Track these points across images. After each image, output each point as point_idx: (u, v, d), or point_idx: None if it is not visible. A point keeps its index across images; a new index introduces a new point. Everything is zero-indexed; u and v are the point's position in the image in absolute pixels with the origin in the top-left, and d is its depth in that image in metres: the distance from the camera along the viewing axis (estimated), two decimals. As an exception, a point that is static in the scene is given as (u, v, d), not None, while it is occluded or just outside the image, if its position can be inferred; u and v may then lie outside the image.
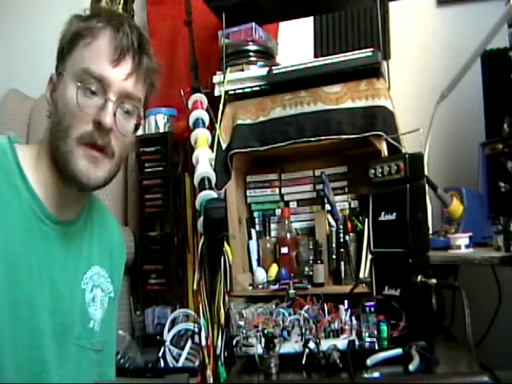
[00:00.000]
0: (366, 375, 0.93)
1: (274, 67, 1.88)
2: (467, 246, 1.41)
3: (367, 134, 1.73)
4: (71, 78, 0.89)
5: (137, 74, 0.93)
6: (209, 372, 1.43)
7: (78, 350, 0.94)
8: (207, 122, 1.87)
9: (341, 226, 1.86)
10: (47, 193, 0.90)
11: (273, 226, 2.06)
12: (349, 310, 1.10)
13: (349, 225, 1.86)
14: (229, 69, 1.94)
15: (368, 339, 0.99)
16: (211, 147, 1.83)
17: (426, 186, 1.30)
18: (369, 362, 0.95)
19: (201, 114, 1.85)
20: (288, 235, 1.95)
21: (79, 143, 0.88)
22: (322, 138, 1.78)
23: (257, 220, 2.09)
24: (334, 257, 1.87)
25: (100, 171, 0.90)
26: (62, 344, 0.90)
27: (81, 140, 0.88)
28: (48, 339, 0.87)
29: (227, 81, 1.91)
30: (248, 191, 2.10)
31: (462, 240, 1.42)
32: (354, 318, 1.07)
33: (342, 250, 1.85)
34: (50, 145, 0.91)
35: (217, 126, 1.88)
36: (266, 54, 2.02)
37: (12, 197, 0.85)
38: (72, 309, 0.92)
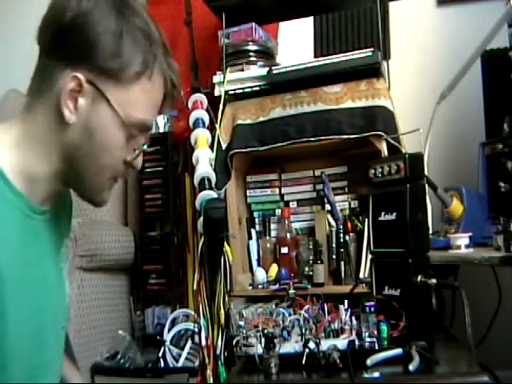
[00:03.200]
0: (366, 375, 0.93)
1: (273, 67, 1.88)
2: (467, 246, 1.41)
3: (367, 134, 1.73)
4: (121, 121, 0.81)
5: None
6: (209, 372, 1.43)
7: (63, 333, 0.93)
8: (207, 122, 1.89)
9: (341, 226, 1.87)
10: (31, 186, 0.82)
11: (273, 225, 2.06)
12: (349, 310, 1.10)
13: (349, 225, 1.87)
14: (229, 69, 1.94)
15: (368, 339, 0.99)
16: (211, 147, 1.84)
17: (426, 186, 1.30)
18: (369, 362, 0.95)
19: (201, 114, 1.87)
20: (288, 235, 1.95)
21: (110, 178, 0.87)
22: (322, 138, 1.79)
23: (257, 220, 2.09)
24: (334, 257, 1.88)
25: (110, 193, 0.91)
26: (57, 335, 0.89)
27: (112, 177, 0.87)
28: (49, 337, 0.87)
29: (227, 81, 1.92)
30: (248, 191, 2.10)
31: (462, 240, 1.42)
32: (353, 318, 1.07)
33: (342, 250, 1.85)
34: (68, 162, 0.83)
35: (217, 126, 1.88)
36: (266, 54, 2.02)
37: None
38: (60, 296, 0.91)
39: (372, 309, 1.02)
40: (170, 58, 0.86)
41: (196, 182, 1.76)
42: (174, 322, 1.92)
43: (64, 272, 0.95)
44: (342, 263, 1.85)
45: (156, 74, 0.83)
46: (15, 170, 0.80)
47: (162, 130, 2.24)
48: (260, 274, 1.94)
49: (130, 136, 0.84)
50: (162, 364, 1.82)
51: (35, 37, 0.83)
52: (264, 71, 1.89)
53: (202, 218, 1.69)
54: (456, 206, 1.55)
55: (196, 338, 1.69)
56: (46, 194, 0.85)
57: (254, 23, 2.01)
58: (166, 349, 1.82)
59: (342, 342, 0.98)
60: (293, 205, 2.06)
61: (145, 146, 0.88)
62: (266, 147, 1.86)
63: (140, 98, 0.83)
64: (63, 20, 0.78)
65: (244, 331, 1.06)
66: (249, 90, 1.92)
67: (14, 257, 0.78)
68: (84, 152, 0.82)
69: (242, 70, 1.94)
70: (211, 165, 1.80)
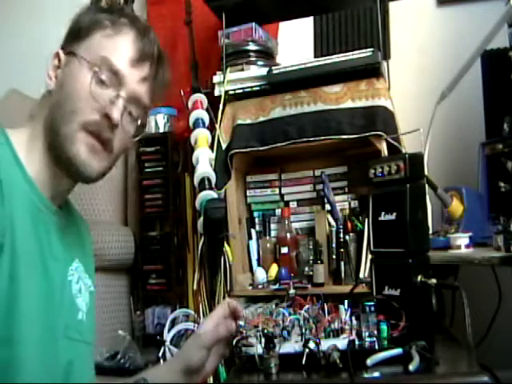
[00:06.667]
0: (366, 375, 0.93)
1: (274, 67, 1.88)
2: (467, 246, 1.41)
3: (367, 134, 1.73)
4: (86, 62, 0.87)
5: (151, 82, 0.93)
6: (209, 372, 1.42)
7: (68, 343, 0.90)
8: (207, 122, 1.89)
9: (341, 226, 1.86)
10: (42, 179, 0.87)
11: (273, 226, 2.06)
12: (349, 310, 1.10)
13: (349, 225, 1.86)
14: (229, 69, 1.94)
15: (368, 339, 0.99)
16: (211, 147, 1.85)
17: (426, 186, 1.30)
18: (369, 361, 0.94)
19: (201, 113, 1.87)
20: (288, 235, 1.95)
21: (83, 129, 0.86)
22: (322, 137, 1.79)
23: (257, 220, 2.09)
24: (334, 257, 1.87)
25: (98, 163, 0.88)
26: (48, 338, 0.87)
27: (85, 127, 0.86)
28: (34, 335, 0.85)
29: (227, 81, 1.92)
30: (248, 191, 2.10)
31: (461, 240, 1.42)
32: (353, 318, 1.07)
33: (342, 249, 1.85)
34: (48, 125, 0.88)
35: (217, 126, 1.88)
36: (266, 54, 2.03)
37: (12, 191, 0.81)
38: (61, 300, 0.90)
39: (372, 309, 1.02)
40: (138, 18, 0.95)
41: (196, 182, 1.76)
42: (174, 322, 1.92)
43: (77, 287, 0.95)
44: (342, 263, 1.85)
45: (123, 24, 0.91)
46: (29, 166, 0.86)
47: (162, 130, 2.24)
48: (260, 274, 1.94)
49: (100, 81, 0.87)
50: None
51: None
52: (264, 71, 1.89)
53: (202, 217, 1.69)
54: (456, 206, 1.55)
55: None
56: (53, 186, 0.89)
57: (254, 23, 2.01)
58: (166, 349, 1.82)
59: (341, 342, 0.98)
60: (293, 205, 2.06)
61: (121, 99, 0.88)
62: (266, 147, 1.86)
63: (102, 41, 0.89)
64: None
65: (244, 331, 1.06)
66: (249, 89, 1.92)
67: (27, 239, 0.82)
68: (56, 105, 0.88)
69: (242, 70, 1.94)
70: (211, 165, 1.81)
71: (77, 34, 0.90)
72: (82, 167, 0.87)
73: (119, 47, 0.89)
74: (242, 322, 1.07)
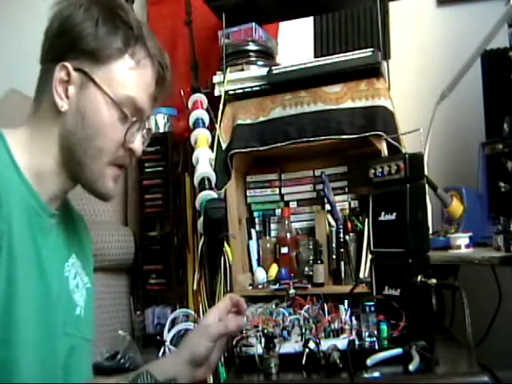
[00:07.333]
0: (366, 375, 0.93)
1: (274, 67, 1.88)
2: (467, 246, 1.41)
3: (367, 134, 1.73)
4: (110, 99, 0.86)
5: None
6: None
7: (66, 340, 0.91)
8: (207, 122, 1.89)
9: (341, 226, 1.86)
10: (40, 183, 0.87)
11: (273, 226, 2.06)
12: (349, 310, 1.10)
13: (349, 225, 1.86)
14: (229, 69, 1.94)
15: (368, 339, 0.99)
16: (211, 147, 1.85)
17: (426, 186, 1.30)
18: (369, 361, 0.94)
19: (201, 113, 1.87)
20: (288, 235, 1.95)
21: (110, 164, 0.90)
22: (322, 137, 1.79)
23: (257, 220, 2.09)
24: (334, 257, 1.87)
25: (117, 185, 0.94)
26: (46, 339, 0.87)
27: (112, 162, 0.90)
28: (32, 336, 0.85)
29: (227, 81, 1.92)
30: (248, 191, 2.10)
31: (461, 240, 1.42)
32: (353, 318, 1.07)
33: (342, 249, 1.85)
34: (67, 150, 0.88)
35: (217, 126, 1.88)
36: (266, 54, 2.03)
37: (9, 193, 0.81)
38: (58, 298, 0.90)
39: (372, 309, 1.02)
40: (157, 45, 0.93)
41: (196, 182, 1.77)
42: (174, 322, 1.92)
43: (74, 283, 0.96)
44: (342, 263, 1.85)
45: (140, 52, 0.89)
46: (26, 168, 0.85)
47: (162, 130, 2.24)
48: (260, 274, 1.94)
49: (123, 117, 0.88)
50: (162, 364, 1.81)
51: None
52: (264, 71, 1.89)
53: (202, 218, 1.69)
54: (456, 206, 1.55)
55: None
56: (53, 190, 0.89)
57: (254, 23, 2.01)
58: (166, 349, 1.82)
59: (341, 342, 0.98)
60: (293, 205, 2.06)
61: (144, 131, 0.93)
62: (266, 147, 1.86)
63: (125, 76, 0.88)
64: (52, 29, 0.90)
65: (244, 331, 1.06)
66: (249, 89, 1.92)
67: (24, 241, 0.82)
68: (79, 136, 0.87)
69: (242, 70, 1.95)
70: (211, 165, 1.81)
71: (84, 49, 0.86)
72: (107, 196, 0.93)
73: (141, 83, 0.90)
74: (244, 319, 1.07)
